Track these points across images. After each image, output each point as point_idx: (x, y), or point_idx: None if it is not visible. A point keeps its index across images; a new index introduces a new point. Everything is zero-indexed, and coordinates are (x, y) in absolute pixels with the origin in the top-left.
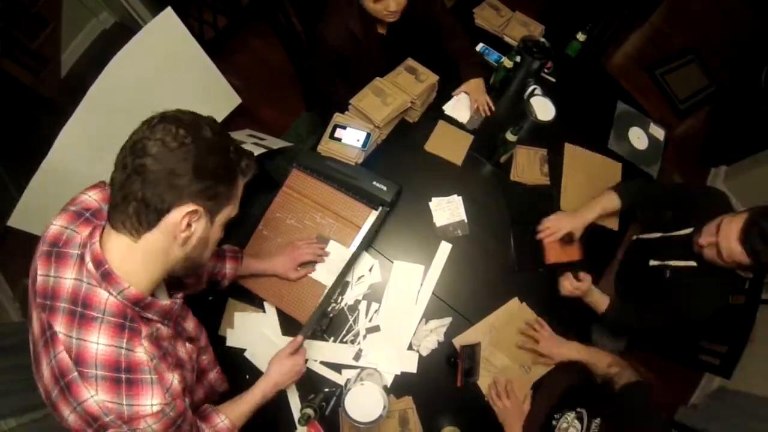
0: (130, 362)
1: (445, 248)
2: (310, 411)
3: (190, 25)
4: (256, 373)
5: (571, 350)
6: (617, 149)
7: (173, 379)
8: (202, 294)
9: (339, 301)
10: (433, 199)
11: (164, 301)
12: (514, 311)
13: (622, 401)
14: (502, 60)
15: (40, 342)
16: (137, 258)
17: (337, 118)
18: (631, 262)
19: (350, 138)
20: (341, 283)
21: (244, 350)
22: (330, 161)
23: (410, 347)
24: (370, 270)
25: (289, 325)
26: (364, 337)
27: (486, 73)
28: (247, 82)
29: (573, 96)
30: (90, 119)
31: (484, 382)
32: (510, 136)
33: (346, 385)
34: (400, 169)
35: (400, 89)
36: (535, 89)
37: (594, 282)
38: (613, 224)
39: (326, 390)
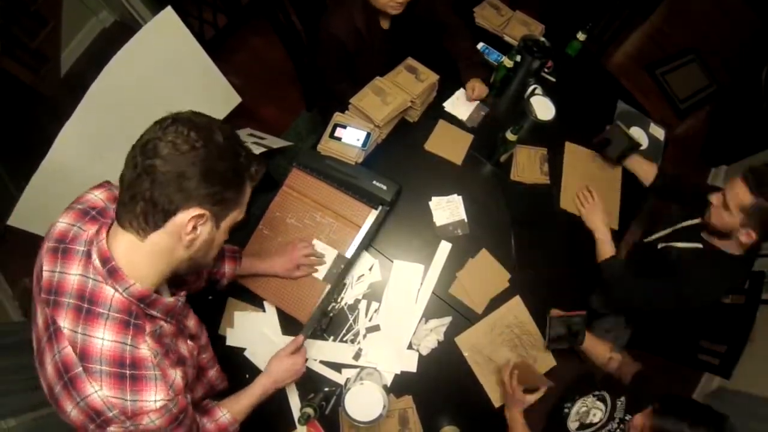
0: (135, 358)
1: (444, 248)
2: (310, 410)
3: (190, 24)
4: (255, 372)
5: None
6: None
7: (176, 375)
8: (202, 293)
9: (339, 300)
10: (433, 198)
11: (168, 299)
12: (516, 310)
13: (640, 388)
14: (502, 59)
15: (44, 337)
16: (143, 256)
17: (337, 117)
18: (636, 257)
19: (350, 137)
20: (341, 283)
21: (243, 349)
22: (330, 160)
23: (410, 346)
24: (370, 269)
25: (288, 324)
26: (364, 336)
27: (486, 73)
28: (247, 81)
29: (573, 95)
30: (90, 118)
31: (484, 380)
32: (510, 136)
33: (346, 384)
34: (400, 169)
35: (401, 88)
36: (535, 88)
37: (595, 279)
38: (613, 223)
39: (326, 389)
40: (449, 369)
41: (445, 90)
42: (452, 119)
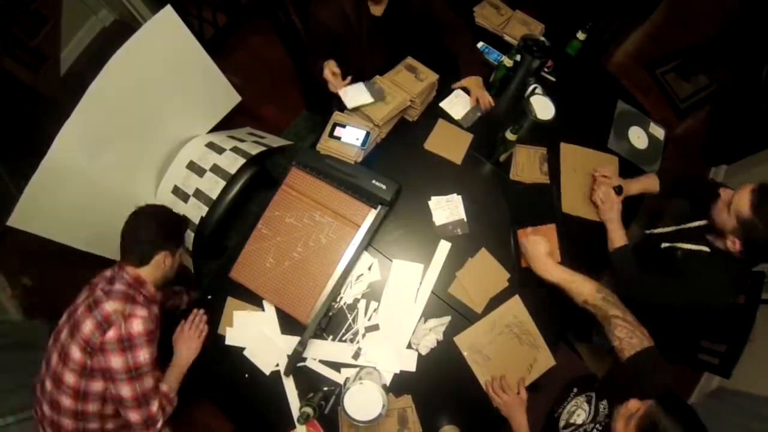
0: (134, 300)
1: (444, 247)
2: (309, 410)
3: (190, 23)
4: (255, 372)
5: (552, 270)
6: (617, 148)
7: (151, 314)
8: (202, 293)
9: (338, 299)
10: (433, 198)
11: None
12: (515, 309)
13: (632, 371)
14: (502, 59)
15: (81, 307)
16: (144, 273)
17: (337, 116)
18: (640, 250)
19: (350, 136)
20: (343, 284)
21: (243, 349)
22: (329, 160)
23: (409, 346)
24: (369, 268)
25: (288, 323)
26: (363, 335)
27: (486, 72)
28: (246, 80)
29: (573, 95)
30: (90, 117)
31: (483, 380)
32: (510, 135)
33: (345, 383)
34: (399, 168)
35: (400, 88)
36: (535, 88)
37: (596, 278)
38: None
39: (325, 389)
40: (448, 368)
41: (445, 89)
42: (448, 118)
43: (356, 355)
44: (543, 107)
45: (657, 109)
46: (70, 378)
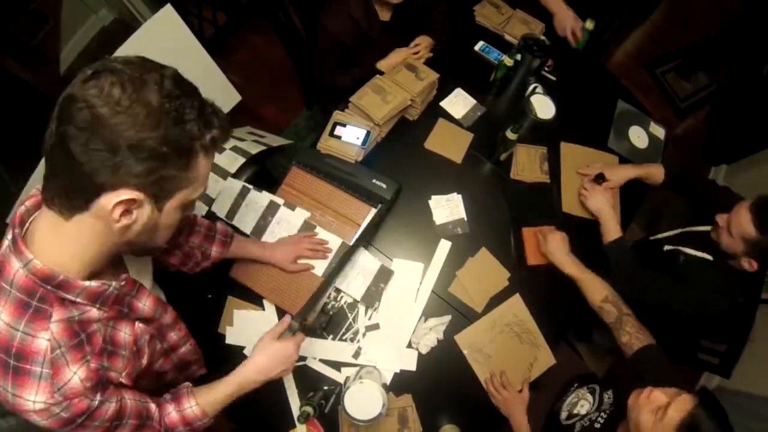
0: (23, 349)
1: (444, 246)
2: (309, 409)
3: (190, 23)
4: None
5: (572, 266)
6: (617, 148)
7: (73, 375)
8: (202, 291)
9: (339, 299)
10: (433, 197)
11: (89, 282)
12: (516, 308)
13: (639, 367)
14: (502, 58)
15: None
16: (65, 237)
17: (337, 115)
18: (641, 249)
19: (350, 136)
20: (339, 272)
21: (243, 348)
22: (329, 159)
23: (409, 345)
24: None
25: None
26: (364, 335)
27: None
28: (246, 79)
29: (573, 94)
30: None
31: (483, 378)
32: (510, 135)
33: (345, 383)
34: (399, 167)
35: (400, 87)
36: (536, 87)
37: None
38: None
39: (325, 388)
40: (449, 368)
41: (445, 88)
42: (448, 117)
43: (356, 355)
44: (543, 106)
45: (657, 109)
46: None
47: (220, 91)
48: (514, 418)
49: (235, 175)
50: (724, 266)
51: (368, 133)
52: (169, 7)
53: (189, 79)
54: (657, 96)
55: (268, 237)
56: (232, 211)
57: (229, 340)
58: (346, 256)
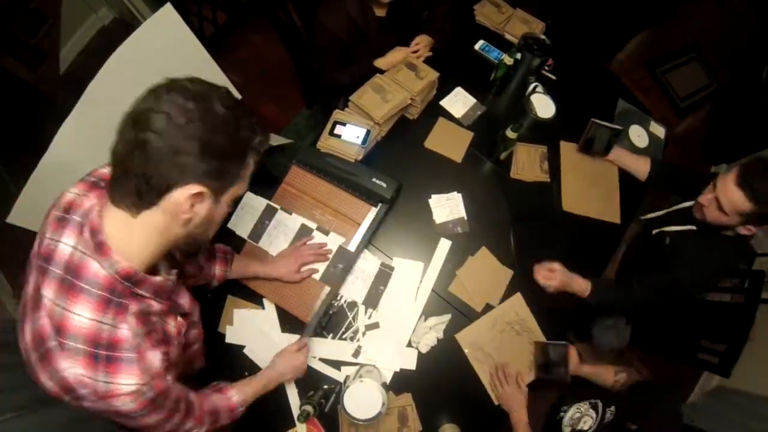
0: (111, 339)
1: (444, 245)
2: (309, 408)
3: (190, 22)
4: (255, 370)
5: (580, 368)
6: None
7: (155, 358)
8: (202, 291)
9: (339, 298)
10: (433, 196)
11: (157, 278)
12: (517, 307)
13: (635, 395)
14: (502, 57)
15: (29, 303)
16: (135, 234)
17: (337, 114)
18: (636, 241)
19: (350, 135)
20: (345, 279)
21: (243, 347)
22: (329, 158)
23: (409, 344)
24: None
25: (288, 322)
26: (364, 334)
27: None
28: (246, 78)
29: (574, 94)
30: (89, 116)
31: (484, 377)
32: (510, 134)
33: (345, 382)
34: (399, 166)
35: (400, 86)
36: (536, 86)
37: (596, 275)
38: (614, 217)
39: (325, 387)
40: (449, 367)
41: (445, 87)
42: (448, 116)
43: (356, 354)
44: (543, 106)
45: (657, 108)
46: None
47: None
48: (514, 413)
49: None
50: (707, 232)
51: (368, 132)
52: (168, 6)
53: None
54: (657, 95)
55: (265, 241)
56: (228, 215)
57: (229, 339)
58: (349, 263)
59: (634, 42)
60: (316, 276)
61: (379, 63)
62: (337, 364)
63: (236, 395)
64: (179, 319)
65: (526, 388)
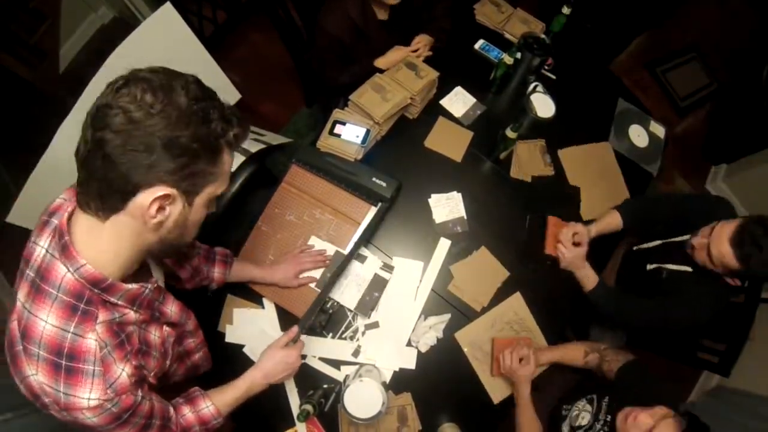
0: (74, 349)
1: (444, 245)
2: (308, 407)
3: (190, 20)
4: None
5: (542, 358)
6: (617, 147)
7: (122, 371)
8: (201, 290)
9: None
10: (433, 195)
11: (130, 286)
12: (516, 306)
13: (623, 383)
14: (502, 56)
15: (11, 306)
16: (104, 239)
17: (337, 114)
18: (628, 269)
19: (350, 134)
20: (339, 275)
21: (242, 346)
22: (329, 157)
23: (409, 344)
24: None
25: (287, 321)
26: (363, 333)
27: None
28: (246, 77)
29: (574, 93)
30: None
31: (483, 376)
32: (510, 133)
33: (345, 381)
34: (399, 166)
35: (400, 85)
36: (536, 86)
37: (597, 272)
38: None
39: (325, 386)
40: (448, 366)
41: (445, 87)
42: (448, 115)
43: (356, 353)
44: (543, 105)
45: (657, 108)
46: None
47: (219, 89)
48: (518, 389)
49: (235, 174)
50: (704, 276)
51: (368, 132)
52: (168, 5)
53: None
54: (657, 95)
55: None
56: (215, 215)
57: (228, 339)
58: (346, 261)
59: (634, 42)
60: (312, 284)
61: (379, 62)
62: (336, 364)
63: (209, 406)
64: (166, 328)
65: (534, 367)
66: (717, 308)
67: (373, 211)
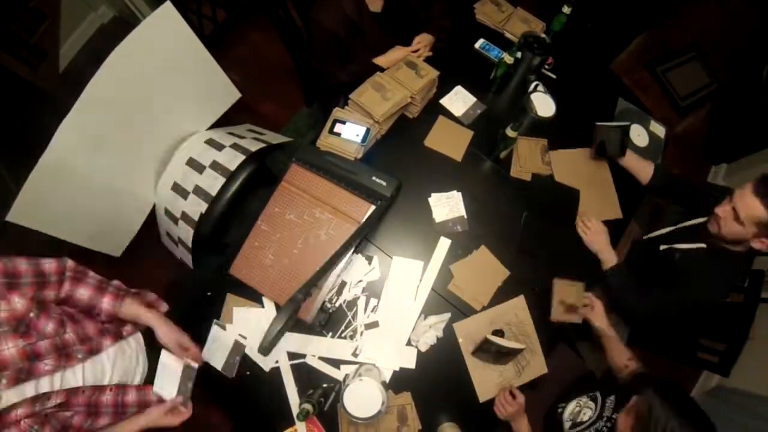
0: None
1: (444, 244)
2: (308, 406)
3: (189, 19)
4: (254, 369)
5: (596, 321)
6: None
7: None
8: (202, 289)
9: (338, 296)
10: (433, 194)
11: None
12: (518, 309)
13: (637, 386)
14: (502, 56)
15: None
16: None
17: (337, 113)
18: (638, 254)
19: (350, 133)
20: (345, 253)
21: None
22: (329, 156)
23: (409, 343)
24: (369, 264)
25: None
26: (362, 333)
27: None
28: (246, 76)
29: (574, 93)
30: (89, 114)
31: (474, 373)
32: (510, 132)
33: (344, 380)
34: (399, 165)
35: (400, 84)
36: (537, 85)
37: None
38: (616, 213)
39: (325, 385)
40: (448, 366)
41: (445, 86)
42: (447, 114)
43: (356, 352)
44: (544, 104)
45: (657, 108)
46: None
47: (219, 88)
48: (517, 422)
49: (235, 173)
50: (717, 251)
51: (368, 131)
52: (168, 3)
53: (190, 77)
54: (657, 94)
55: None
56: None
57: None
58: (349, 241)
59: (635, 41)
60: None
61: (379, 61)
62: (336, 363)
63: None
64: (20, 341)
65: (522, 397)
66: (733, 283)
67: (373, 210)
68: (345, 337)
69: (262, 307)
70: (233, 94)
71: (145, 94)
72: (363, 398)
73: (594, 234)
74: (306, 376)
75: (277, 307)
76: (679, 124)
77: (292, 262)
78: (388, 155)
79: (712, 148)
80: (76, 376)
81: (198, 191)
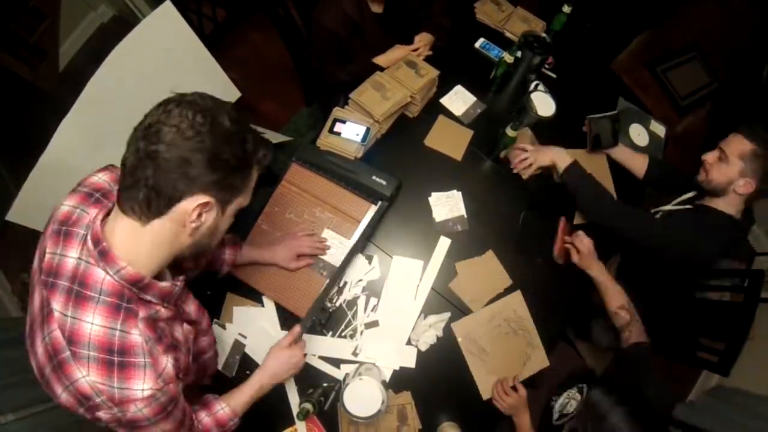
0: (124, 344)
1: (444, 243)
2: (308, 406)
3: (189, 19)
4: (254, 368)
5: (599, 271)
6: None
7: (167, 362)
8: (201, 287)
9: (338, 295)
10: (433, 194)
11: (163, 284)
12: (516, 305)
13: (628, 358)
14: (502, 55)
15: (37, 318)
16: (143, 242)
17: (337, 112)
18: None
19: (350, 132)
20: (341, 275)
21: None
22: (329, 155)
23: (409, 342)
24: (369, 264)
25: (287, 319)
26: (362, 332)
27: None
28: (246, 75)
29: (574, 92)
30: (88, 113)
31: (475, 371)
32: (510, 132)
33: (344, 379)
34: (399, 164)
35: (400, 84)
36: (537, 84)
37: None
38: None
39: (325, 385)
40: (448, 365)
41: (445, 85)
42: (448, 113)
43: (356, 352)
44: (544, 104)
45: (658, 107)
46: None
47: (219, 87)
48: (518, 417)
49: None
50: (702, 207)
51: (368, 130)
52: (168, 3)
53: (190, 77)
54: (657, 94)
55: None
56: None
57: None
58: (348, 256)
59: (635, 41)
60: (315, 268)
61: (379, 60)
62: (336, 362)
63: (225, 408)
64: (186, 326)
65: (524, 390)
66: (719, 239)
67: (373, 209)
68: (345, 337)
69: (262, 306)
70: (233, 94)
71: (146, 94)
72: (363, 397)
73: (583, 254)
74: (306, 375)
75: (277, 306)
76: (680, 123)
77: None
78: (388, 154)
79: (712, 147)
80: None
81: None
